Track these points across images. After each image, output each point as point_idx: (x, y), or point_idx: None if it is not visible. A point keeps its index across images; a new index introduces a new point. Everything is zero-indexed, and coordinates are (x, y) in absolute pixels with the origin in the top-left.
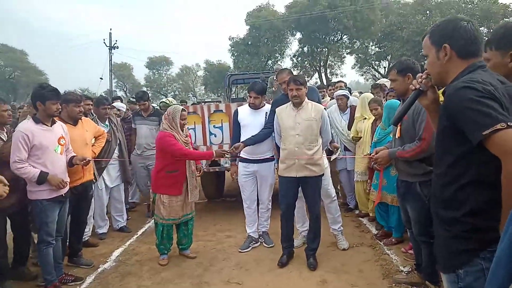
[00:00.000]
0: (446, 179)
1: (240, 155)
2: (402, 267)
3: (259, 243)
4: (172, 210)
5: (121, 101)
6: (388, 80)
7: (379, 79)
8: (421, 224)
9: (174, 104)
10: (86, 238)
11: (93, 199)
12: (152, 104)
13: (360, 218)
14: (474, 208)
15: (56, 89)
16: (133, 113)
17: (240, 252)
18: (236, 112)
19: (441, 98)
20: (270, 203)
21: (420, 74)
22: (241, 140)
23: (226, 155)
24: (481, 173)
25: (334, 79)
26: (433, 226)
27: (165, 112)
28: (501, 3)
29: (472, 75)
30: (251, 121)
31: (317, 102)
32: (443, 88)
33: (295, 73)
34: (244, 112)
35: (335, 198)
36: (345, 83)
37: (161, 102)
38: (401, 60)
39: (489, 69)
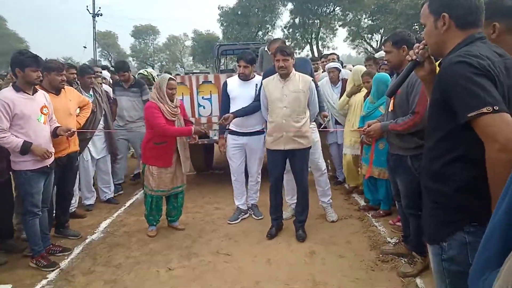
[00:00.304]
0: (435, 152)
1: (230, 128)
2: (390, 238)
3: (248, 214)
4: (161, 181)
5: (108, 71)
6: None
7: (371, 52)
8: (410, 197)
9: (149, 75)
10: (73, 210)
11: (79, 171)
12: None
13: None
14: (461, 184)
15: (36, 56)
16: (113, 83)
17: (229, 223)
18: (225, 83)
19: (438, 70)
20: (259, 176)
21: (417, 44)
22: (230, 112)
23: (206, 131)
24: (470, 150)
25: (326, 52)
26: (422, 198)
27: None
28: None
29: (470, 48)
30: (240, 92)
31: (309, 74)
32: (440, 60)
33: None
34: (234, 83)
35: (325, 171)
36: (338, 56)
37: (138, 73)
38: (396, 32)
39: (488, 41)
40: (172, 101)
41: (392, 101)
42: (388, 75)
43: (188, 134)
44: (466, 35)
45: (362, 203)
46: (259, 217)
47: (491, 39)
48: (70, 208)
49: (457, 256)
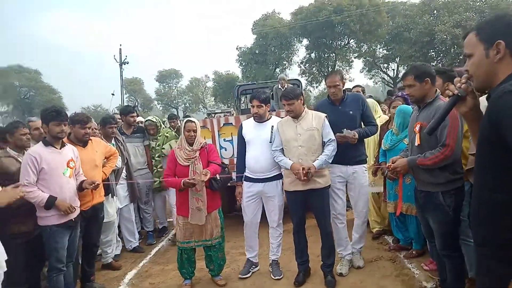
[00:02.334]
0: (487, 192)
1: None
2: (426, 282)
3: (258, 267)
4: (186, 231)
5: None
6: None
7: (388, 81)
8: (445, 237)
9: (158, 121)
10: (109, 261)
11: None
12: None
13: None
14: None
15: (59, 109)
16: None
17: (240, 278)
18: (240, 126)
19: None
20: (281, 228)
21: (458, 78)
22: (246, 157)
23: (196, 184)
24: None
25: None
26: (473, 240)
27: None
28: None
29: None
30: (255, 135)
31: (361, 110)
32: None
33: (303, 80)
34: (249, 126)
35: (367, 219)
36: (363, 88)
37: (146, 120)
38: (416, 65)
39: None
40: (191, 144)
41: (418, 135)
42: (409, 107)
43: (178, 187)
44: None
45: (392, 242)
46: (278, 277)
47: None
48: (106, 259)
49: None
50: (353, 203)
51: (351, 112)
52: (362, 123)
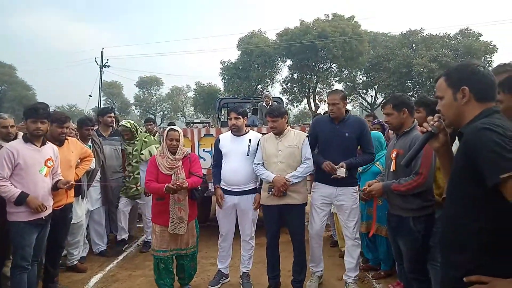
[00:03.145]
0: (459, 221)
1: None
2: None
3: (228, 279)
4: (163, 240)
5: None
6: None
7: (366, 107)
8: (414, 261)
9: (132, 127)
10: (75, 263)
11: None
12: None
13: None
14: (489, 253)
15: (37, 107)
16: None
17: None
18: (217, 140)
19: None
20: (253, 241)
21: (431, 117)
22: (223, 169)
23: (178, 188)
24: (497, 219)
25: (323, 106)
26: (440, 266)
27: None
28: (483, 41)
29: (490, 119)
30: (232, 148)
31: (360, 134)
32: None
33: (284, 98)
34: (226, 139)
35: (359, 242)
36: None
37: (120, 125)
38: (396, 95)
39: (503, 116)
40: (173, 153)
41: (394, 161)
42: (381, 133)
43: (161, 192)
44: (484, 107)
45: (361, 262)
46: None
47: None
48: (71, 261)
49: None
50: (343, 225)
51: (347, 134)
52: (359, 147)
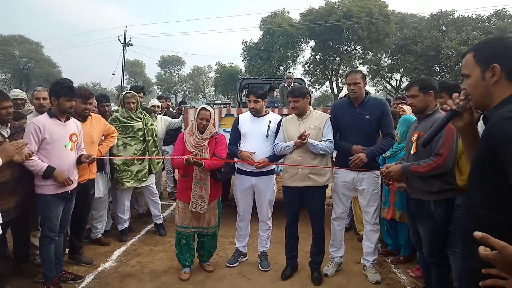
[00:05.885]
0: (479, 212)
1: (237, 166)
2: (410, 287)
3: (246, 257)
4: (185, 217)
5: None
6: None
7: (390, 91)
8: (432, 245)
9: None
10: (99, 236)
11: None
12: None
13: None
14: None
15: (71, 86)
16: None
17: (227, 266)
18: (236, 119)
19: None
20: (271, 221)
21: (457, 94)
22: (240, 149)
23: (194, 160)
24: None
25: (345, 90)
26: (460, 254)
27: None
28: None
29: None
30: (251, 128)
31: (381, 116)
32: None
33: (306, 80)
34: (245, 119)
35: (378, 227)
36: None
37: (152, 105)
38: (422, 78)
39: None
40: (202, 132)
41: (414, 144)
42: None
43: (182, 165)
44: None
45: (380, 247)
46: (266, 268)
47: None
48: (95, 234)
49: None
50: (363, 209)
51: (367, 117)
52: (380, 131)
